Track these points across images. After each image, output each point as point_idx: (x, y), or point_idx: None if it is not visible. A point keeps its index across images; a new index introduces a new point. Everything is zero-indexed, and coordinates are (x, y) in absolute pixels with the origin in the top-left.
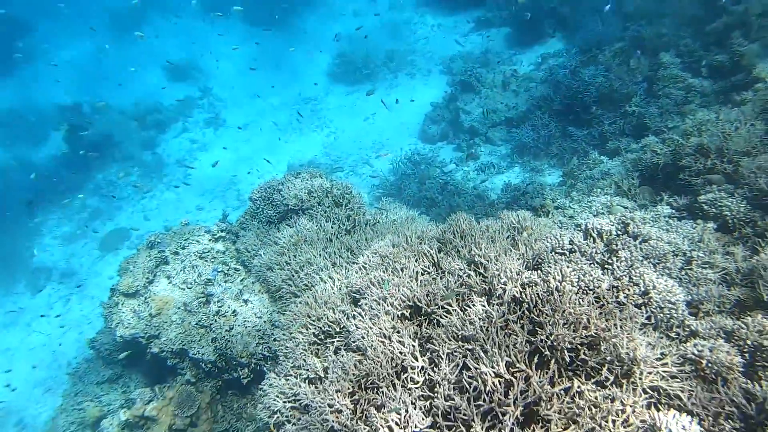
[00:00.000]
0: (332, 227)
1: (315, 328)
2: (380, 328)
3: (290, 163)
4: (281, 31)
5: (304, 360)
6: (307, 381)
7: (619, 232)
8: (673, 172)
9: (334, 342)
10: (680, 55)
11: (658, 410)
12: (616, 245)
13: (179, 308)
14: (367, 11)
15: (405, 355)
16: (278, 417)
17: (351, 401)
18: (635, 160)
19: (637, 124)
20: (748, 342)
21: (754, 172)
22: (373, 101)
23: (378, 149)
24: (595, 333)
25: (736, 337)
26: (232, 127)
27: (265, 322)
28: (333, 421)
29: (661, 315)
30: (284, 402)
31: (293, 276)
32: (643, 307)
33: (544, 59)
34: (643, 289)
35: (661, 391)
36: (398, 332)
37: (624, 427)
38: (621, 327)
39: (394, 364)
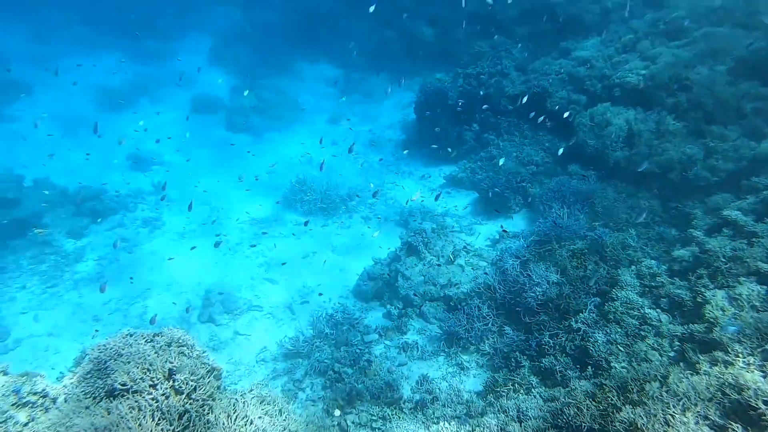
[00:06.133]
0: (156, 426)
1: None
2: None
3: (208, 288)
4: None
5: None
6: None
7: None
8: None
9: None
10: (641, 276)
11: None
12: None
13: None
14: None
15: None
16: None
17: None
18: (555, 410)
19: (580, 345)
20: None
21: None
22: (317, 237)
23: (304, 295)
24: None
25: None
26: (169, 232)
27: None
28: None
29: None
30: None
31: None
32: None
33: (501, 237)
34: None
35: None
36: None
37: None
38: None
39: None
